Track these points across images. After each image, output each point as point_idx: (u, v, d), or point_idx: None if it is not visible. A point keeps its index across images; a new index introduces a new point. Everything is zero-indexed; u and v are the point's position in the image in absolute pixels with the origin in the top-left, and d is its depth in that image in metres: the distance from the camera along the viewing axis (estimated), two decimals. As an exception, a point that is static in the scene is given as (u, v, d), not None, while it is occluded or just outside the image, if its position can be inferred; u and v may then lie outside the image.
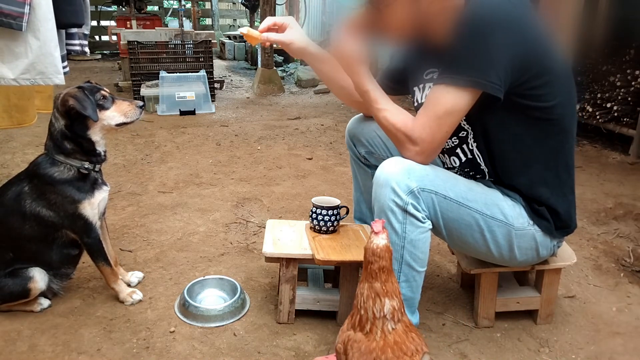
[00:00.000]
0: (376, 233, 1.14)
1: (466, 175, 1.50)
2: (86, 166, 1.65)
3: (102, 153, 1.71)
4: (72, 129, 1.62)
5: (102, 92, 1.67)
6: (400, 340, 1.10)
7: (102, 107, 1.66)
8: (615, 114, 3.64)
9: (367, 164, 1.84)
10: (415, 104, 1.54)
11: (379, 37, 1.48)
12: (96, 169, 1.69)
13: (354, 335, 1.14)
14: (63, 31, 2.34)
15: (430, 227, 1.36)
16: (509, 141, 1.40)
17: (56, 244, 1.68)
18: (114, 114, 1.69)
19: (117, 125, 1.70)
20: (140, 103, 1.75)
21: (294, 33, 1.59)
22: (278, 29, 1.59)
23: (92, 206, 1.67)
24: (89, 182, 1.67)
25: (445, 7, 1.33)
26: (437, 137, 1.31)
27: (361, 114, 1.82)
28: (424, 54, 1.50)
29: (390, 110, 1.38)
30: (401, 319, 1.12)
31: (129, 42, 4.98)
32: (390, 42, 1.55)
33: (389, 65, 1.74)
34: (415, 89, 1.54)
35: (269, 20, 1.59)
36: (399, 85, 1.67)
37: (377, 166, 1.41)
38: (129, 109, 1.71)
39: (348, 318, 1.19)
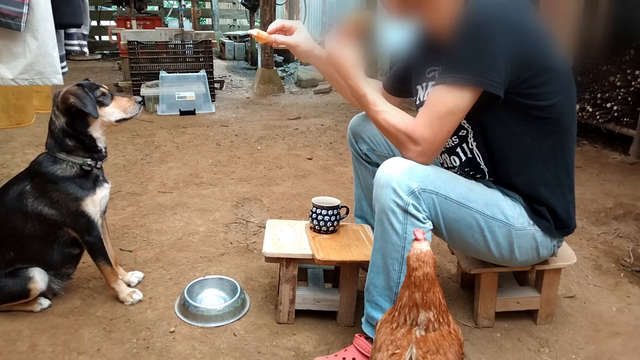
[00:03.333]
0: (418, 240, 1.14)
1: (466, 175, 1.50)
2: (89, 162, 1.65)
3: (103, 150, 1.72)
4: (72, 126, 1.63)
5: (101, 89, 1.68)
6: (422, 340, 1.11)
7: (102, 104, 1.67)
8: (615, 114, 3.64)
9: (368, 161, 1.85)
10: (417, 102, 1.55)
11: (383, 11, 1.48)
12: (98, 166, 1.70)
13: (391, 320, 1.18)
14: (62, 31, 2.34)
15: (431, 227, 1.36)
16: (508, 140, 1.40)
17: (57, 243, 1.69)
18: (113, 110, 1.70)
19: (117, 121, 1.71)
20: (139, 98, 1.77)
21: (300, 36, 1.65)
22: (286, 31, 1.65)
23: (94, 203, 1.67)
24: (90, 179, 1.67)
25: None
26: (438, 137, 1.31)
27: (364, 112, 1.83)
28: (427, 51, 1.51)
29: (389, 112, 1.38)
30: (437, 329, 1.13)
31: (129, 42, 4.98)
32: (392, 17, 1.55)
33: (395, 66, 1.75)
34: (419, 87, 1.55)
35: (278, 23, 1.64)
36: (405, 85, 1.68)
37: (378, 163, 1.41)
38: (128, 104, 1.72)
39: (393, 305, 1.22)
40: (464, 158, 1.49)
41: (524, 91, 1.31)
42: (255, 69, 6.65)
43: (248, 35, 8.52)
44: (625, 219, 2.54)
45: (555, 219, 1.46)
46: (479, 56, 1.25)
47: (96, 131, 1.67)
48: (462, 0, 1.31)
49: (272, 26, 1.63)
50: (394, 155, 1.45)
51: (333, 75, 1.68)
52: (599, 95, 3.77)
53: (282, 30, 1.65)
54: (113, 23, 7.78)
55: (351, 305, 1.66)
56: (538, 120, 1.37)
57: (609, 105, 3.68)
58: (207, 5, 10.65)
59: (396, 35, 1.77)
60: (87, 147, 1.66)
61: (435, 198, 1.33)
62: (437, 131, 1.30)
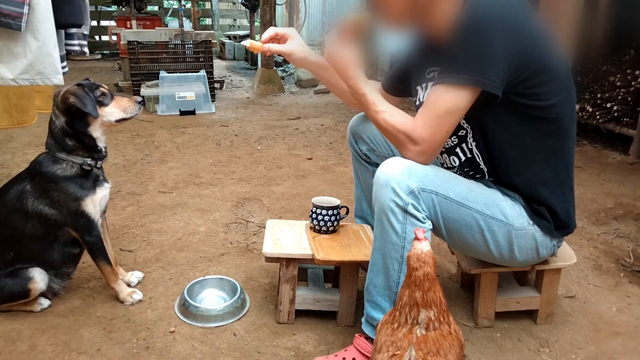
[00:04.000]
0: (419, 240, 1.15)
1: (466, 175, 1.50)
2: (89, 162, 1.65)
3: (103, 149, 1.72)
4: (72, 126, 1.63)
5: (101, 88, 1.68)
6: (423, 340, 1.11)
7: (102, 104, 1.67)
8: (615, 114, 3.64)
9: (368, 162, 1.85)
10: (417, 102, 1.55)
11: (380, 22, 1.49)
12: (98, 166, 1.70)
13: (390, 321, 1.19)
14: (62, 31, 2.34)
15: (431, 227, 1.36)
16: (508, 140, 1.40)
17: (57, 243, 1.69)
18: (113, 110, 1.70)
19: (117, 121, 1.71)
20: (139, 98, 1.77)
21: (294, 44, 1.65)
22: (280, 39, 1.66)
23: (94, 203, 1.67)
24: (91, 179, 1.67)
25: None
26: (437, 137, 1.32)
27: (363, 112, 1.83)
28: (426, 52, 1.51)
29: (389, 112, 1.38)
30: (438, 328, 1.13)
31: (129, 42, 4.98)
32: (390, 27, 1.55)
33: (394, 66, 1.75)
34: (418, 87, 1.55)
35: (271, 31, 1.65)
36: (404, 86, 1.68)
37: (378, 164, 1.41)
38: (127, 104, 1.72)
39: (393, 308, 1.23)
40: (463, 158, 1.49)
41: (523, 91, 1.32)
42: (255, 69, 6.65)
43: (247, 36, 8.52)
44: (625, 219, 2.54)
45: (555, 219, 1.46)
46: (477, 56, 1.25)
47: (96, 131, 1.67)
48: (460, 1, 1.31)
49: (265, 35, 1.64)
50: (394, 156, 1.45)
51: (329, 79, 1.70)
52: (599, 95, 3.77)
53: (276, 39, 1.66)
54: (113, 23, 7.77)
55: (351, 305, 1.66)
56: (538, 120, 1.37)
57: (609, 105, 3.68)
58: (207, 5, 10.64)
59: (395, 36, 1.77)
60: (87, 147, 1.66)
61: (434, 198, 1.33)
62: (436, 131, 1.30)
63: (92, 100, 1.62)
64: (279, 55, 1.68)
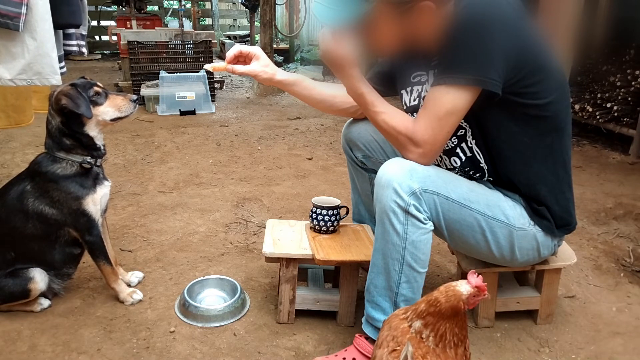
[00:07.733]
0: (468, 282, 1.11)
1: (466, 175, 1.50)
2: (88, 160, 1.65)
3: (102, 147, 1.71)
4: (68, 125, 1.63)
5: (95, 87, 1.67)
6: (419, 340, 1.11)
7: (96, 103, 1.66)
8: (615, 114, 3.64)
9: (364, 168, 1.84)
10: (404, 107, 1.54)
11: (368, 52, 1.48)
12: (98, 164, 1.69)
13: (400, 312, 1.19)
14: (60, 31, 2.33)
15: (432, 228, 1.36)
16: (506, 140, 1.40)
17: (58, 243, 1.68)
18: (107, 109, 1.69)
19: (112, 120, 1.70)
20: (134, 97, 1.75)
21: (259, 65, 1.61)
22: (245, 57, 1.63)
23: (95, 202, 1.67)
24: (91, 178, 1.67)
25: (434, 21, 1.31)
26: (439, 138, 1.31)
27: (352, 118, 1.82)
28: (411, 59, 1.49)
29: (389, 113, 1.37)
30: (432, 346, 1.11)
31: (129, 42, 4.97)
32: (379, 55, 1.55)
33: (375, 68, 1.73)
34: (403, 92, 1.54)
35: (235, 49, 1.62)
36: (385, 87, 1.65)
37: (374, 170, 1.40)
38: (122, 103, 1.71)
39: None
40: (464, 158, 1.48)
41: (520, 90, 1.32)
42: (255, 69, 6.63)
43: (247, 36, 8.52)
44: (625, 219, 2.54)
45: (555, 218, 1.46)
46: (476, 55, 1.25)
47: (92, 130, 1.67)
48: (450, 6, 1.30)
49: (229, 54, 1.61)
50: None
51: (301, 92, 1.69)
52: (599, 95, 3.77)
53: (242, 56, 1.62)
54: (113, 23, 7.77)
55: (351, 305, 1.66)
56: (534, 119, 1.37)
57: (609, 105, 3.68)
58: (207, 5, 10.64)
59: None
60: (85, 145, 1.66)
61: (436, 199, 1.33)
62: (437, 132, 1.30)
63: (85, 101, 1.61)
64: (243, 75, 1.64)
